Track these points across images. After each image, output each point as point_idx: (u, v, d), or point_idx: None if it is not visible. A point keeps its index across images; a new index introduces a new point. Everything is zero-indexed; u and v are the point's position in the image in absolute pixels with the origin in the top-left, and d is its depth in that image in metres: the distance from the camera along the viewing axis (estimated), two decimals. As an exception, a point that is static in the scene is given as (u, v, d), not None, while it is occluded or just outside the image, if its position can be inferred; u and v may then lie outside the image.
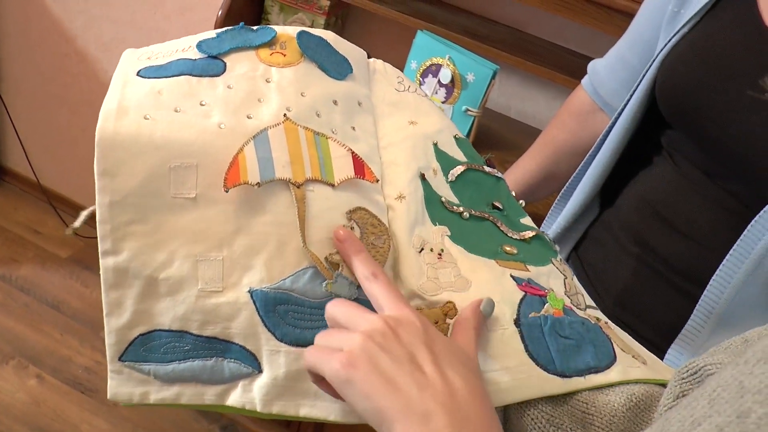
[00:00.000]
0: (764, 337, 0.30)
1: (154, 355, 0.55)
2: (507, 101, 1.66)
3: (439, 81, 1.36)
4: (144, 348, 0.55)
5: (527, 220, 0.66)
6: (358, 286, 0.53)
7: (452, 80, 1.35)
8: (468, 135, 1.39)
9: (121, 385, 0.56)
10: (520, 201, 0.68)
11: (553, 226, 0.98)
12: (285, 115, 0.55)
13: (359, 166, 0.56)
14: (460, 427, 0.43)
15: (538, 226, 0.68)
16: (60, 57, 2.17)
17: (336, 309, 0.51)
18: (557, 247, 0.66)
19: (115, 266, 0.53)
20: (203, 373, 0.55)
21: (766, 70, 0.73)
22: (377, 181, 0.57)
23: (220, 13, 1.52)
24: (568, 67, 1.41)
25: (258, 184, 0.52)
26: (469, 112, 1.36)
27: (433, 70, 1.37)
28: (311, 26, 1.30)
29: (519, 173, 1.09)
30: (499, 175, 0.67)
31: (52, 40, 2.15)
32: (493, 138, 1.48)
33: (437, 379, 0.45)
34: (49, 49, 2.17)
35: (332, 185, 0.54)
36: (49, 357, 1.97)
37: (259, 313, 0.53)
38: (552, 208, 1.02)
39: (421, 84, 1.39)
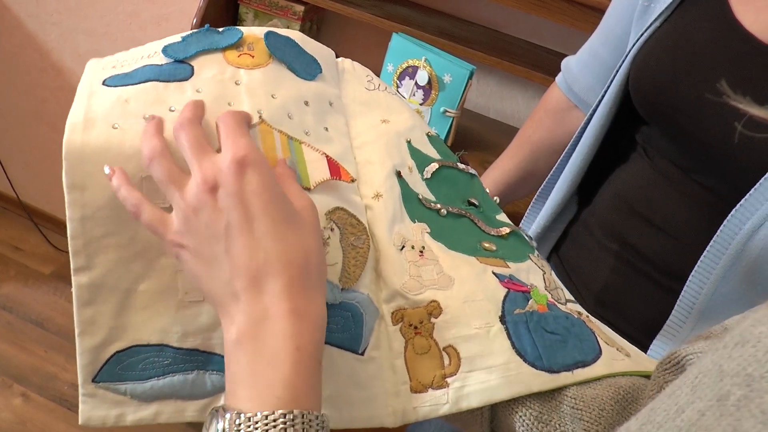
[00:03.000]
0: (742, 322, 0.30)
1: (131, 373, 0.53)
2: (485, 101, 1.66)
3: (416, 83, 1.36)
4: (120, 366, 0.53)
5: (503, 217, 0.66)
6: (342, 289, 0.52)
7: (429, 82, 1.35)
8: (447, 136, 1.39)
9: (94, 408, 0.54)
10: (494, 198, 0.68)
11: (533, 226, 0.98)
12: (260, 116, 0.54)
13: (335, 169, 0.55)
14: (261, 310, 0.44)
15: (518, 225, 0.67)
16: (36, 71, 2.14)
17: (181, 136, 0.49)
18: (534, 243, 0.66)
19: (90, 282, 0.52)
20: (184, 388, 0.54)
21: (733, 68, 0.73)
22: (353, 180, 0.56)
23: (195, 21, 1.51)
24: (545, 66, 1.41)
25: None
26: (448, 113, 1.36)
27: (410, 72, 1.37)
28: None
29: (498, 173, 1.09)
30: (473, 171, 0.67)
31: (27, 54, 2.13)
32: (473, 138, 1.48)
33: (250, 252, 0.45)
34: (24, 64, 2.15)
35: (308, 189, 0.53)
36: (34, 375, 1.94)
37: None
38: (530, 207, 1.02)
39: (398, 87, 1.39)
